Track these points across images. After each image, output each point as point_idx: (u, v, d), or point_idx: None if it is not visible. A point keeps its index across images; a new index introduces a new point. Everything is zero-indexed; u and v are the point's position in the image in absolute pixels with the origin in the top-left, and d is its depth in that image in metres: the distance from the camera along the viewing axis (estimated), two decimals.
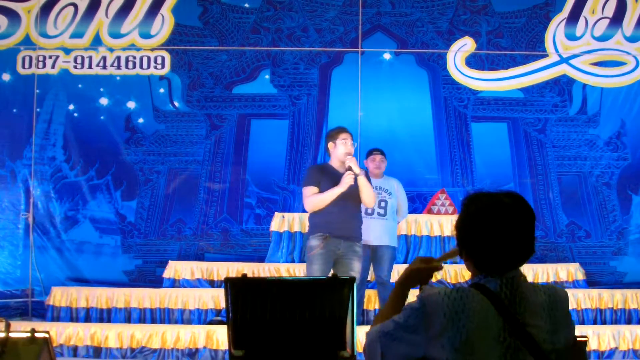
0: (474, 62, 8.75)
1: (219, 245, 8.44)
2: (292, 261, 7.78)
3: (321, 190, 5.87)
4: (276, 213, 8.03)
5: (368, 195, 5.93)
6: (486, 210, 2.23)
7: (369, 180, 5.99)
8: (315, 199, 5.88)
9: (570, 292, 7.30)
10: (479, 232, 2.23)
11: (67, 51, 8.63)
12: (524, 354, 2.14)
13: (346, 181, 5.74)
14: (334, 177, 5.89)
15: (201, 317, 7.21)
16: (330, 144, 6.05)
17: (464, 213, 2.28)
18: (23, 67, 8.61)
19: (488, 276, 2.22)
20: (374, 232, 6.59)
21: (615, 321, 7.23)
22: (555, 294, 2.24)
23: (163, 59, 8.67)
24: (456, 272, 7.41)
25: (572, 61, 8.70)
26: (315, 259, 5.82)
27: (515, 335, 2.13)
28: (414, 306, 2.23)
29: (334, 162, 6.02)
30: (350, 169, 5.78)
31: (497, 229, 2.20)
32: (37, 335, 3.65)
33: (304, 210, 8.34)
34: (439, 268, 2.47)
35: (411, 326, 2.21)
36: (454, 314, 2.14)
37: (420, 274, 2.43)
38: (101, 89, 8.66)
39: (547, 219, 8.50)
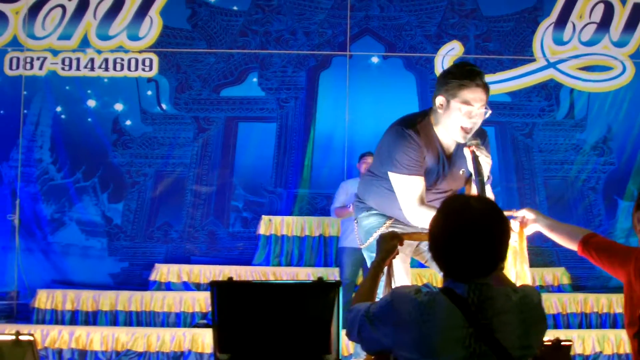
0: None
1: (206, 248, 8.42)
2: (279, 264, 7.78)
3: (425, 180, 3.51)
4: (263, 216, 8.04)
5: None
6: (453, 216, 2.20)
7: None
8: (426, 211, 3.42)
9: (556, 296, 7.33)
10: (446, 237, 2.20)
11: (55, 53, 8.60)
12: None
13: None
14: (438, 160, 3.56)
15: (187, 320, 7.21)
16: (441, 100, 3.43)
17: (435, 216, 2.27)
18: (10, 68, 8.57)
19: (457, 281, 2.20)
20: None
21: (600, 325, 7.26)
22: (525, 295, 2.22)
23: (151, 61, 8.65)
24: None
25: (559, 66, 8.73)
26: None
27: (482, 340, 2.12)
28: (385, 298, 2.26)
29: (441, 132, 3.54)
30: (475, 160, 3.38)
31: (462, 236, 2.17)
32: (21, 338, 3.65)
33: (290, 214, 8.37)
34: (401, 244, 2.80)
35: (381, 317, 2.24)
36: (419, 316, 2.15)
37: (390, 252, 2.76)
38: (89, 91, 8.63)
39: None
